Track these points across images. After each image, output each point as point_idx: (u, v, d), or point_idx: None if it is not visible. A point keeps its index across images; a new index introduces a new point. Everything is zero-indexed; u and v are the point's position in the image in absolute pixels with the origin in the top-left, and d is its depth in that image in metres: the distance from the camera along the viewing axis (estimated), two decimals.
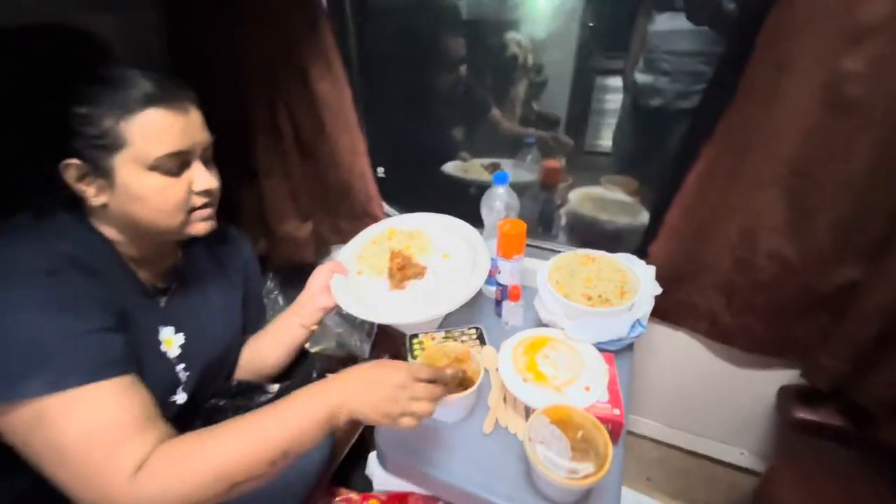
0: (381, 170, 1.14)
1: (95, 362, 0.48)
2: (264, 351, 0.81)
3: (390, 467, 0.71)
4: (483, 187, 0.94)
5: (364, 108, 1.02)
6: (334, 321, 1.20)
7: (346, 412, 0.53)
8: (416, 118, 1.38)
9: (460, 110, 1.63)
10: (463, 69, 1.63)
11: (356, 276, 0.85)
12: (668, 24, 1.33)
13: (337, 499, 0.98)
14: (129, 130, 0.53)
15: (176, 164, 0.57)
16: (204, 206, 0.62)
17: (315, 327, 0.83)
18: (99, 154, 0.53)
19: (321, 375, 0.74)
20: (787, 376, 0.90)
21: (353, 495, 1.18)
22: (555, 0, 1.84)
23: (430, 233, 0.91)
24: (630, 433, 1.18)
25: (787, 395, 0.89)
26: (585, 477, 0.55)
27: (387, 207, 1.18)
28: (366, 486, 1.22)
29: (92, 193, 0.55)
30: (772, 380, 0.91)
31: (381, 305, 0.79)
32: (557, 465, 0.57)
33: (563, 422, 0.62)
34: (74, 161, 0.53)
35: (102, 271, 0.56)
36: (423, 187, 1.34)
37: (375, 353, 1.21)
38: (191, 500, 0.46)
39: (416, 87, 1.35)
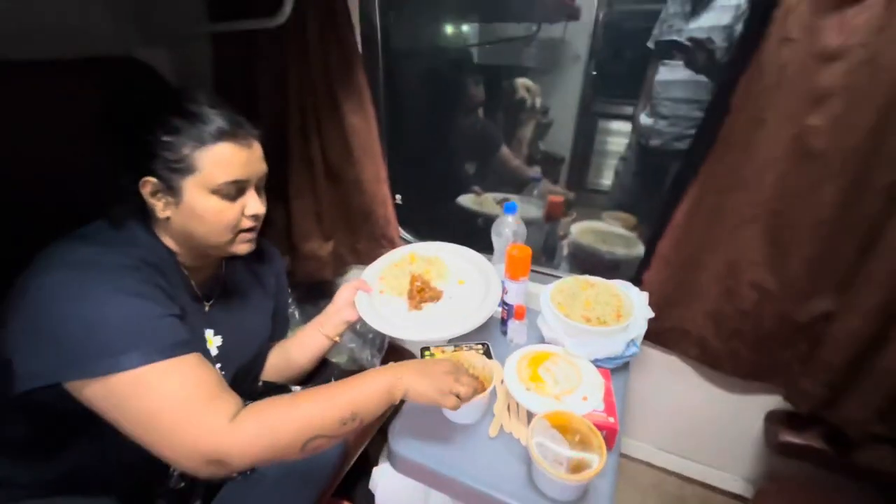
0: (398, 197, 1.24)
1: (175, 341, 0.57)
2: (292, 356, 0.88)
3: (402, 468, 0.76)
4: (490, 219, 1.04)
5: (387, 139, 1.14)
6: (347, 336, 1.27)
7: (402, 387, 0.64)
8: (433, 152, 1.50)
9: (473, 147, 1.76)
10: (477, 109, 1.78)
11: (378, 295, 0.93)
12: (669, 74, 1.50)
13: None
14: (201, 159, 0.63)
15: (234, 190, 0.66)
16: (250, 228, 0.71)
17: (338, 338, 0.90)
18: (173, 175, 0.63)
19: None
20: (774, 402, 0.96)
21: None
22: (561, 50, 2.03)
23: (447, 260, 0.98)
24: (625, 456, 1.22)
25: (773, 420, 0.95)
26: (581, 473, 0.61)
27: (402, 232, 1.28)
28: (368, 500, 1.27)
29: (160, 207, 0.65)
30: (760, 405, 0.97)
31: (400, 323, 0.86)
32: (557, 462, 0.63)
33: (563, 426, 0.68)
34: (152, 179, 0.63)
35: (165, 273, 0.65)
36: (436, 215, 1.44)
37: None
38: (278, 446, 0.55)
39: (433, 123, 1.48)
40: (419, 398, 0.65)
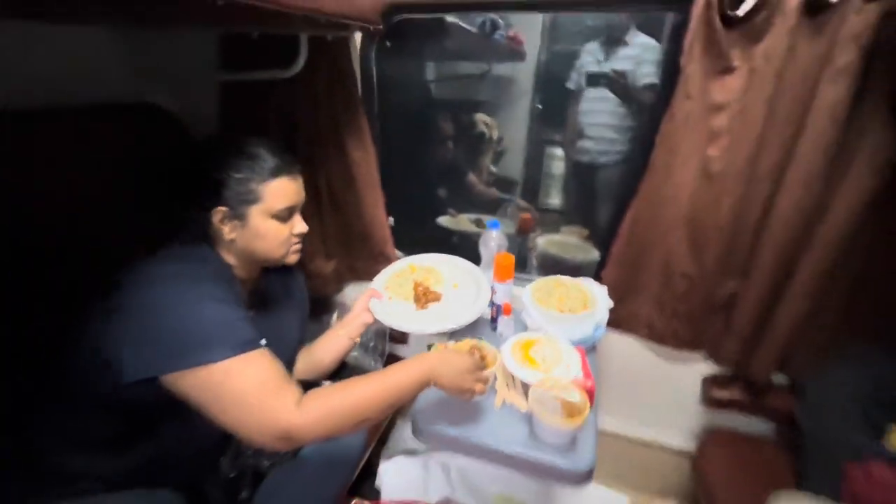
0: (391, 219, 1.42)
1: (250, 338, 0.70)
2: (318, 357, 1.02)
3: (425, 437, 0.91)
4: (465, 237, 1.22)
5: (382, 170, 1.32)
6: None
7: (434, 378, 0.78)
8: (415, 180, 1.70)
9: (446, 174, 1.99)
10: (446, 141, 2.02)
11: (387, 300, 1.09)
12: (590, 105, 1.95)
13: None
14: (264, 191, 0.78)
15: (287, 214, 0.82)
16: (297, 243, 0.87)
17: (358, 339, 1.05)
18: (241, 205, 0.78)
19: None
20: (708, 368, 1.22)
21: (367, 503, 1.35)
22: (511, 86, 2.38)
23: (441, 269, 1.17)
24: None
25: (707, 382, 1.21)
26: (572, 419, 0.81)
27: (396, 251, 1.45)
28: (375, 495, 1.40)
29: (227, 231, 0.79)
30: (697, 371, 1.23)
31: (411, 320, 1.03)
32: (551, 419, 0.82)
33: (556, 387, 0.88)
34: (222, 209, 0.77)
35: (229, 284, 0.79)
36: (422, 235, 1.63)
37: None
38: (336, 426, 0.68)
39: (415, 155, 1.69)
40: (444, 389, 0.79)
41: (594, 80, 1.90)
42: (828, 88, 0.84)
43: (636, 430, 1.39)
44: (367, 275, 1.46)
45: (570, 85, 2.06)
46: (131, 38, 1.14)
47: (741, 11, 0.86)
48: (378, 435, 1.36)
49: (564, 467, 0.82)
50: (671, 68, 0.98)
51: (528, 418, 0.89)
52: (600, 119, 1.94)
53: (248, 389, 0.67)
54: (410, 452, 1.58)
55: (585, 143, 2.01)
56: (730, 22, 0.88)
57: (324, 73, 1.15)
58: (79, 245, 0.91)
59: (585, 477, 0.83)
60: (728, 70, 0.93)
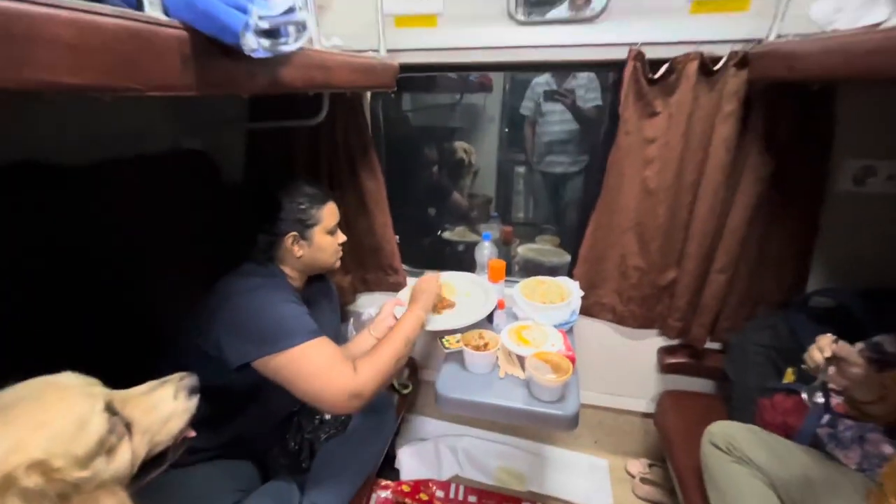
0: (397, 237, 1.67)
1: (315, 328, 0.93)
2: (354, 354, 1.24)
3: (446, 406, 1.15)
4: (455, 248, 1.48)
5: (389, 194, 1.58)
6: None
7: (421, 317, 1.06)
8: (414, 200, 1.97)
9: (434, 195, 2.27)
10: (432, 166, 2.31)
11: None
12: (548, 126, 2.39)
13: (379, 485, 1.39)
14: (320, 214, 1.04)
15: (335, 229, 1.08)
16: (341, 251, 1.12)
17: None
18: (307, 229, 1.02)
19: None
20: (661, 341, 1.53)
21: (389, 482, 1.58)
22: (481, 113, 2.77)
23: (454, 282, 1.39)
24: None
25: (661, 352, 1.52)
26: (560, 377, 1.08)
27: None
28: (396, 477, 1.63)
29: (296, 250, 1.03)
30: (653, 344, 1.53)
31: (430, 321, 1.27)
32: (543, 378, 1.09)
33: (546, 358, 1.15)
34: (294, 234, 1.02)
35: (291, 291, 1.03)
36: (421, 249, 1.89)
37: None
38: (386, 374, 0.93)
39: (413, 181, 1.96)
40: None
41: (549, 95, 2.29)
42: (721, 127, 1.18)
43: (609, 401, 1.68)
44: (377, 286, 1.71)
45: (525, 111, 2.46)
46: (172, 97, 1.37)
47: (658, 74, 1.20)
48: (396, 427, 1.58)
49: (557, 414, 1.08)
50: (613, 114, 1.30)
51: (526, 383, 1.16)
52: (562, 136, 2.37)
53: (320, 365, 0.90)
54: (422, 440, 1.81)
55: (553, 157, 2.39)
56: (651, 81, 1.22)
57: (342, 122, 1.41)
58: (163, 267, 1.13)
59: (573, 421, 1.10)
60: (654, 114, 1.27)
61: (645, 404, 1.63)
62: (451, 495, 1.59)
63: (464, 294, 1.37)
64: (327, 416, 1.18)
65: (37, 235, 0.95)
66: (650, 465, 1.67)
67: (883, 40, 0.64)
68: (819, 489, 0.95)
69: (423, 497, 1.57)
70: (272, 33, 0.62)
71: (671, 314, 1.41)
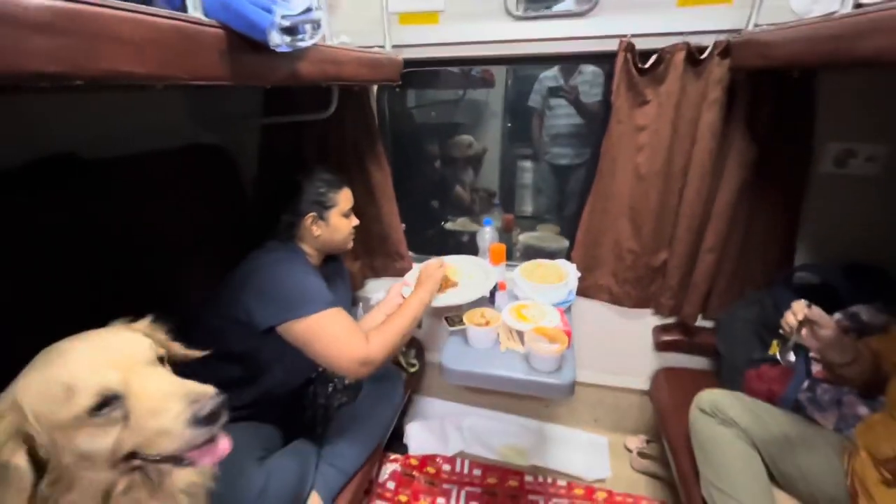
0: (403, 225, 1.76)
1: (333, 299, 1.03)
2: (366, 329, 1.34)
3: (452, 378, 1.24)
4: (459, 236, 1.55)
5: (395, 185, 1.66)
6: None
7: (426, 298, 1.14)
8: (419, 192, 2.06)
9: (440, 187, 2.36)
10: (438, 162, 2.39)
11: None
12: (555, 119, 2.46)
13: (389, 458, 1.48)
14: (337, 198, 1.13)
15: (350, 212, 1.17)
16: (353, 233, 1.21)
17: None
18: (325, 210, 1.12)
19: None
20: (656, 320, 1.60)
21: (398, 456, 1.67)
22: (485, 108, 2.85)
23: (456, 265, 1.49)
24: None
25: (656, 330, 1.59)
26: (557, 347, 1.16)
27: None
28: (404, 451, 1.72)
29: (315, 230, 1.13)
30: (648, 323, 1.61)
31: (436, 299, 1.36)
32: (542, 349, 1.17)
33: (543, 332, 1.23)
34: (313, 214, 1.11)
35: (311, 267, 1.12)
36: (426, 237, 1.98)
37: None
38: (394, 345, 1.03)
39: (418, 173, 2.05)
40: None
41: (555, 91, 2.37)
42: (707, 114, 1.25)
43: (608, 379, 1.75)
44: (385, 271, 1.79)
45: (533, 104, 2.52)
46: (190, 93, 1.46)
47: (647, 64, 1.27)
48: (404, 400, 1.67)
49: (555, 383, 1.16)
50: (607, 104, 1.38)
51: (525, 357, 1.24)
52: (567, 129, 2.45)
53: (337, 332, 1.00)
54: (428, 418, 1.89)
55: (559, 149, 2.47)
56: (641, 71, 1.29)
57: (350, 115, 1.50)
58: (190, 248, 1.22)
59: (569, 389, 1.17)
60: (644, 102, 1.34)
61: (642, 382, 1.70)
62: (458, 469, 1.68)
63: (466, 275, 1.45)
64: (340, 386, 1.27)
65: (75, 220, 1.04)
66: (647, 441, 1.74)
67: (838, 27, 0.71)
68: (797, 447, 1.02)
69: (431, 470, 1.66)
70: (292, 31, 0.71)
71: (664, 293, 1.48)
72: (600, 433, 1.84)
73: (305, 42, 0.74)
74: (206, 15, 0.60)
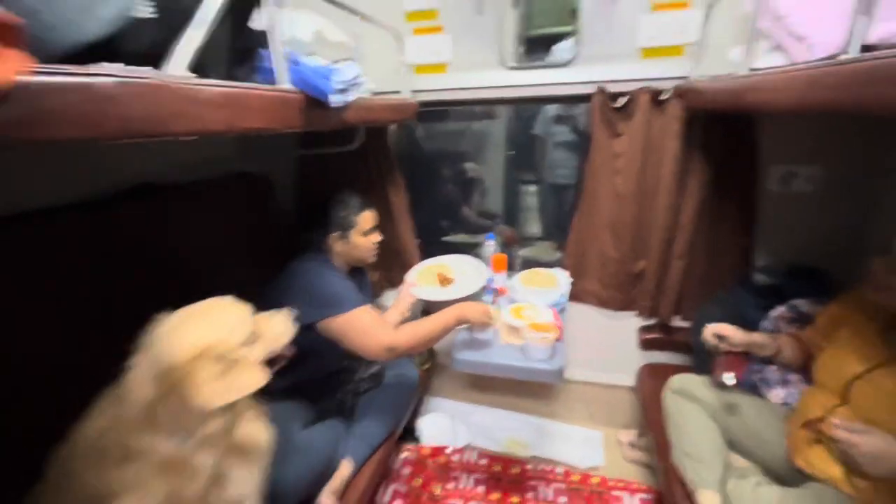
0: (418, 241, 2.02)
1: (361, 299, 1.27)
2: None
3: (461, 366, 1.46)
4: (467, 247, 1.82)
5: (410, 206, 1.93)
6: None
7: (465, 317, 1.33)
8: (430, 212, 2.33)
9: (448, 208, 2.63)
10: (449, 186, 2.68)
11: (421, 286, 1.67)
12: (556, 145, 2.64)
13: (403, 448, 1.70)
14: (358, 219, 1.38)
15: (370, 231, 1.42)
16: (376, 249, 1.46)
17: (408, 314, 1.61)
18: (347, 230, 1.37)
19: None
20: (639, 321, 1.82)
21: (412, 446, 1.88)
22: (488, 138, 3.14)
23: (452, 264, 1.75)
24: (571, 381, 1.99)
25: (640, 331, 1.80)
26: (549, 337, 1.38)
27: None
28: (416, 443, 1.91)
29: (338, 247, 1.38)
30: (633, 324, 1.82)
31: (438, 294, 1.59)
32: (536, 339, 1.40)
33: (538, 327, 1.45)
34: (337, 233, 1.37)
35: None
36: (434, 250, 2.23)
37: None
38: (417, 343, 1.24)
39: (429, 195, 2.32)
40: (472, 322, 1.35)
41: (555, 119, 2.66)
42: (670, 143, 1.51)
43: (601, 377, 1.95)
44: (400, 282, 2.03)
45: (538, 131, 2.81)
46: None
47: (619, 104, 1.55)
48: (417, 398, 1.88)
49: (547, 368, 1.38)
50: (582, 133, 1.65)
51: (522, 348, 1.46)
52: (561, 155, 2.70)
53: (366, 325, 1.23)
54: (439, 413, 2.09)
55: (560, 170, 2.76)
56: (615, 109, 1.57)
57: (372, 147, 1.79)
58: (234, 262, 1.48)
59: (559, 374, 1.39)
60: (618, 134, 1.61)
61: (631, 379, 1.90)
62: (465, 458, 1.87)
63: (460, 273, 1.69)
64: (365, 375, 1.50)
65: (151, 239, 1.30)
66: (639, 435, 1.92)
67: (732, 84, 0.97)
68: (749, 416, 1.23)
69: (441, 459, 1.85)
70: (344, 91, 0.99)
71: (643, 296, 1.71)
72: (595, 428, 2.02)
73: (352, 97, 1.02)
74: (291, 85, 0.88)
